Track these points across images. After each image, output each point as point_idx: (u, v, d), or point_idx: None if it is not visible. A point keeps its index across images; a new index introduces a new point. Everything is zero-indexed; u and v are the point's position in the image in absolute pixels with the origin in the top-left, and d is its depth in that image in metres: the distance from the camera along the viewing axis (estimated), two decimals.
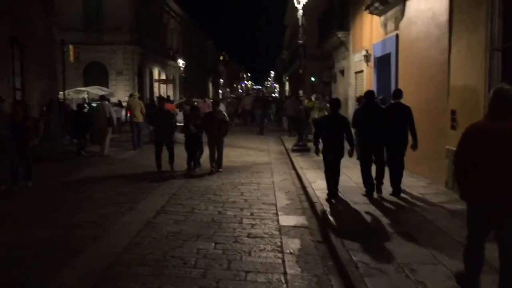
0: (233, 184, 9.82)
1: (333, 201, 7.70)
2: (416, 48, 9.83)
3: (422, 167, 9.34)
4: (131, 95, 17.45)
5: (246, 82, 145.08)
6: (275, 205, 8.02)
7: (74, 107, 23.64)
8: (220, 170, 11.16)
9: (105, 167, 12.18)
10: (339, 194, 8.06)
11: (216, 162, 11.16)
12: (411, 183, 8.99)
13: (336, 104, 8.06)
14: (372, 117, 7.84)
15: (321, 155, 8.02)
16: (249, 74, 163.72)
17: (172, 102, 24.39)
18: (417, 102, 9.67)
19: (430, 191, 8.28)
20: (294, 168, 11.88)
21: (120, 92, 30.88)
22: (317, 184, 9.10)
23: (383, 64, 12.83)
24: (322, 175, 8.51)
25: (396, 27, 11.14)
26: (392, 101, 8.41)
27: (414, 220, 6.50)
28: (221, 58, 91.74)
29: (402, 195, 8.00)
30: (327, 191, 7.89)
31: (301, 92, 16.14)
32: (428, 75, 9.17)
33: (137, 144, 15.81)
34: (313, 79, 28.76)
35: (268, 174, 11.23)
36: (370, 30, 13.84)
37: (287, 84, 59.07)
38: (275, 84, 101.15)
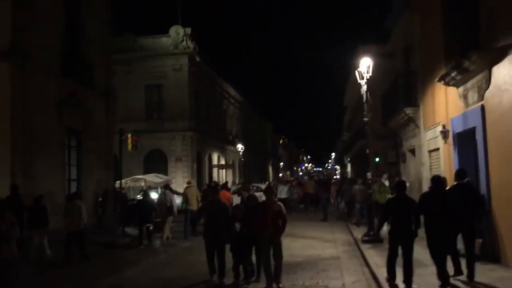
0: None
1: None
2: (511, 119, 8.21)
3: None
4: (188, 183, 17.17)
5: (306, 164, 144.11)
6: None
7: (131, 196, 23.42)
8: (280, 286, 8.10)
9: (150, 265, 10.97)
10: None
11: (274, 273, 8.12)
12: None
13: (401, 186, 8.09)
14: (439, 203, 7.62)
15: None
16: (309, 157, 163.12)
17: (229, 189, 23.22)
18: None
19: None
20: (367, 265, 10.05)
21: (179, 178, 30.55)
22: None
23: (465, 141, 11.15)
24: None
25: (481, 98, 9.61)
26: (456, 182, 8.41)
27: None
28: (281, 142, 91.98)
29: None
30: (387, 276, 7.84)
31: (369, 174, 14.55)
32: None
33: (191, 233, 15.24)
34: (377, 159, 27.07)
35: (337, 273, 9.47)
36: (445, 103, 12.35)
37: (349, 165, 57.28)
38: (336, 166, 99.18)
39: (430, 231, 7.62)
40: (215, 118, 39.62)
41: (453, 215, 7.53)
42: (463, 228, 7.92)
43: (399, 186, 8.09)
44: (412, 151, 17.56)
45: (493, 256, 9.11)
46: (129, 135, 22.49)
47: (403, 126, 18.19)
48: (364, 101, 13.89)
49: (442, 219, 7.49)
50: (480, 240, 9.86)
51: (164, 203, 14.95)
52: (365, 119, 13.96)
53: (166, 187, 16.60)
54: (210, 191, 10.32)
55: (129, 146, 22.37)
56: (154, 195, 21.08)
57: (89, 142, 17.24)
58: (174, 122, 31.78)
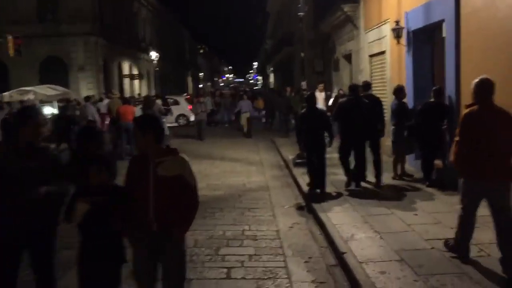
0: (212, 242, 5.79)
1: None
2: (506, 6, 5.99)
3: None
4: (110, 93, 16.39)
5: (227, 75, 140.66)
6: None
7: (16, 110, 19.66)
8: None
9: None
10: None
11: None
12: None
13: (311, 99, 8.03)
14: (354, 111, 7.77)
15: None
16: (230, 67, 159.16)
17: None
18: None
19: None
20: (304, 197, 8.01)
21: (83, 90, 26.58)
22: (360, 243, 5.25)
23: (423, 40, 9.04)
24: (362, 220, 6.12)
25: None
26: (362, 94, 8.33)
27: None
28: (201, 51, 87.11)
29: None
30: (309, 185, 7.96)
31: (303, 84, 12.28)
32: None
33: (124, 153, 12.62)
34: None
35: (268, 211, 7.29)
36: None
37: (271, 75, 55.22)
38: (257, 76, 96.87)
39: (343, 138, 7.92)
40: (124, 23, 34.84)
41: (364, 124, 7.72)
42: (370, 137, 8.15)
43: (308, 99, 8.07)
44: (348, 57, 15.42)
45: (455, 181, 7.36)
46: (9, 38, 18.26)
47: (338, 28, 15.82)
48: None
49: (355, 127, 7.70)
50: (439, 162, 8.14)
51: (85, 117, 13.78)
52: (300, 13, 11.29)
53: (87, 99, 15.46)
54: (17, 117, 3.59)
55: (11, 51, 18.24)
56: (48, 110, 17.77)
57: None
58: (73, 24, 27.03)
